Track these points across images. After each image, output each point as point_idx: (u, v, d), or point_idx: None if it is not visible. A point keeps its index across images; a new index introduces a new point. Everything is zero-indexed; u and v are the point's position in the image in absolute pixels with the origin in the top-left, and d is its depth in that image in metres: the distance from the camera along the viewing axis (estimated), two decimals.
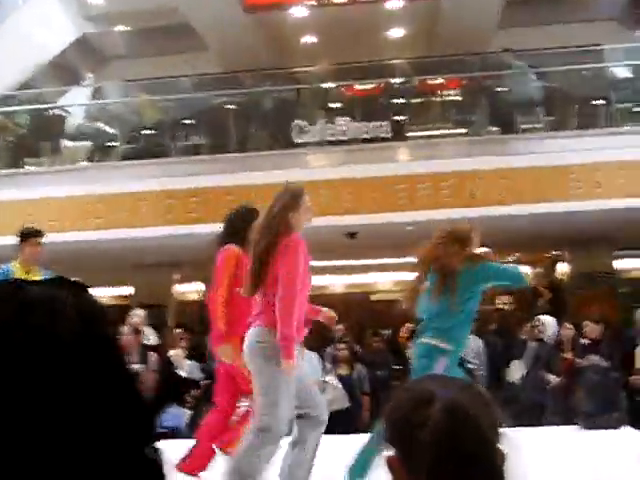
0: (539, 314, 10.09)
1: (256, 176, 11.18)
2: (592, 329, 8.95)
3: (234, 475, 4.48)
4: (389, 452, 1.43)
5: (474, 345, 10.69)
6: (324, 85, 13.22)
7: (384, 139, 11.84)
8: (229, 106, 13.25)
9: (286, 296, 4.40)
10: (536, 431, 7.51)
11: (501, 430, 1.43)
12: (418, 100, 13.11)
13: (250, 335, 4.56)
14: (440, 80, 13.07)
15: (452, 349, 5.00)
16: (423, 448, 1.37)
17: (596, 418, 7.56)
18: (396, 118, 12.48)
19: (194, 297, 17.02)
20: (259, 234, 4.59)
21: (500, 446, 1.42)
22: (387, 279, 18.63)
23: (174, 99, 13.51)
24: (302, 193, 4.69)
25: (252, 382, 4.56)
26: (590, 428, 7.29)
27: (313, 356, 9.63)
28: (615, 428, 7.32)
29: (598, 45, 12.82)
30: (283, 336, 4.37)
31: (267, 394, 4.45)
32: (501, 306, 17.81)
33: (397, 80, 13.14)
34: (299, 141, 11.94)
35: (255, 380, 4.52)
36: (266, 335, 4.48)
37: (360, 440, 5.05)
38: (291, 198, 4.63)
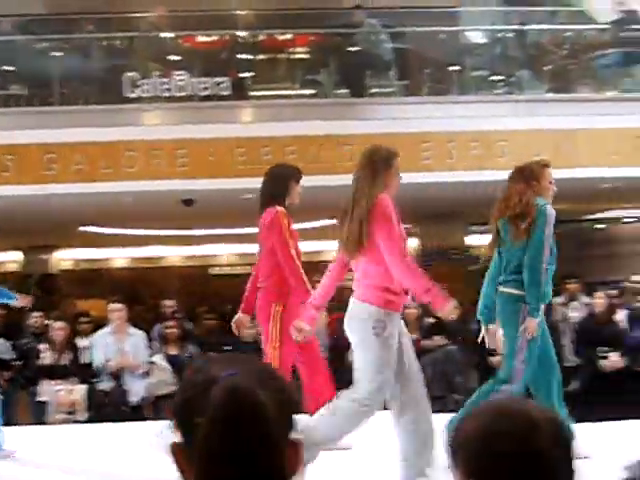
0: None
1: (82, 133, 10.64)
2: None
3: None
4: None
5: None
6: (161, 35, 12.68)
7: (225, 97, 11.47)
8: (55, 53, 12.49)
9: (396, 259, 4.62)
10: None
11: (296, 417, 1.43)
12: (264, 56, 12.78)
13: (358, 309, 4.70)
14: (288, 36, 12.78)
15: None
16: (199, 433, 1.38)
17: (440, 401, 7.56)
18: (240, 75, 12.12)
19: (12, 267, 16.22)
20: (357, 195, 4.76)
21: (293, 434, 1.41)
22: (227, 251, 18.36)
23: None
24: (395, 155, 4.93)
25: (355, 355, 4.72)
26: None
27: (139, 334, 9.28)
28: (455, 411, 7.32)
29: (454, 7, 12.90)
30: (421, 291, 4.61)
31: (375, 369, 4.58)
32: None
33: (242, 33, 12.75)
34: (131, 96, 11.40)
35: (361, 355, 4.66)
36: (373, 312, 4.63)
37: None
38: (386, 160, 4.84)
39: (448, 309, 4.63)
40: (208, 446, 1.37)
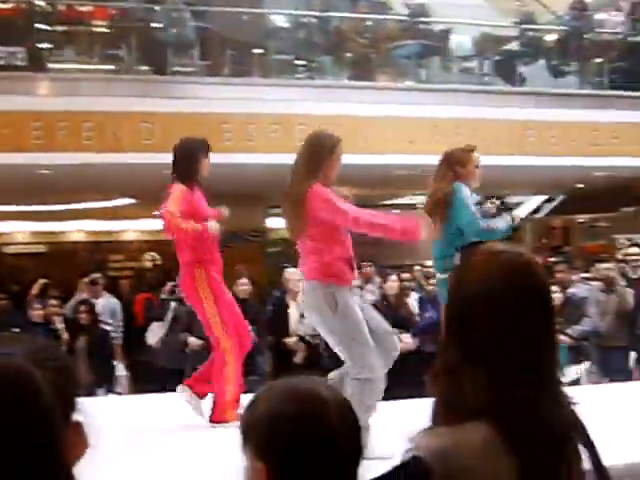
0: None
1: None
2: (242, 290, 9.06)
3: None
4: None
5: (109, 305, 10.48)
6: None
7: (21, 68, 11.06)
8: None
9: None
10: (175, 396, 7.46)
11: (78, 399, 1.35)
12: (63, 28, 12.38)
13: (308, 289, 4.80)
14: (89, 8, 12.45)
15: None
16: None
17: None
18: (37, 45, 11.70)
19: None
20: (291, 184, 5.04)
21: (75, 416, 1.34)
22: (21, 229, 17.77)
23: None
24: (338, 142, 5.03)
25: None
26: None
27: None
28: (251, 392, 7.46)
29: None
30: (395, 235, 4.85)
31: (349, 342, 4.66)
32: (148, 264, 17.77)
33: (40, 2, 12.30)
34: None
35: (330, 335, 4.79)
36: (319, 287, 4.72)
37: None
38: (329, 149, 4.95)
39: (421, 234, 4.76)
40: None
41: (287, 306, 9.03)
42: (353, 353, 4.66)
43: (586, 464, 1.62)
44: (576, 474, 1.58)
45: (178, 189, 5.78)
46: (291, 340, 8.87)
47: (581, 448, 1.60)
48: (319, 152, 4.90)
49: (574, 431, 1.58)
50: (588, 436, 1.62)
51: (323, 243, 4.75)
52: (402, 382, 8.62)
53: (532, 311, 1.58)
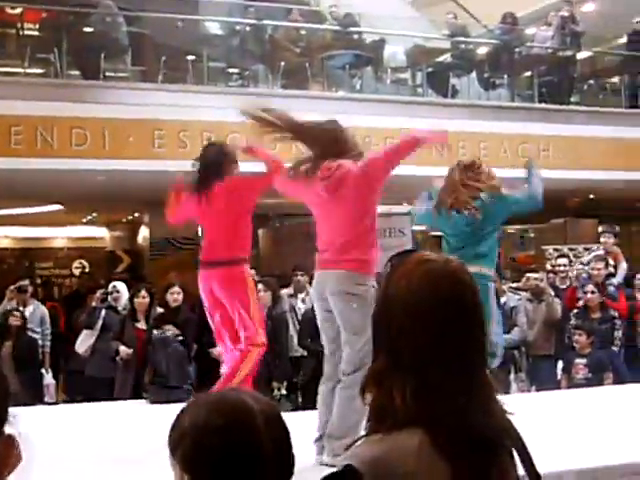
0: (115, 280, 9.97)
1: None
2: (174, 298, 8.97)
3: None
4: None
5: (37, 312, 10.30)
6: None
7: None
8: None
9: None
10: (105, 405, 7.39)
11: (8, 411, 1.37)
12: None
13: None
14: (19, 10, 12.25)
15: None
16: None
17: (168, 391, 7.58)
18: None
19: None
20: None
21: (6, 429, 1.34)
22: None
23: None
24: None
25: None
26: (158, 402, 7.28)
27: None
28: (183, 401, 7.40)
29: None
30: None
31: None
32: (76, 271, 17.54)
33: None
34: None
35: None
36: None
37: None
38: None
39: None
40: None
41: None
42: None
43: (520, 470, 1.65)
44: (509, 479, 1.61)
45: None
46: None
47: (515, 455, 1.63)
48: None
49: (507, 437, 1.60)
50: (522, 442, 1.64)
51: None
52: None
53: (460, 319, 1.58)
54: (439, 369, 1.54)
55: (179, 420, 1.53)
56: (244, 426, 1.47)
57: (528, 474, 1.66)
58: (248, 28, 12.75)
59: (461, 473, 1.49)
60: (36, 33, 12.49)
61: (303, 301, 10.22)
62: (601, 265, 9.50)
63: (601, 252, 10.31)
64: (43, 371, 9.80)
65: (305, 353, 9.37)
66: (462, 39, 13.97)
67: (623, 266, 10.11)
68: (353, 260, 4.70)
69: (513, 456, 1.62)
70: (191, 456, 1.47)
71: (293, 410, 7.96)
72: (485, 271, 5.66)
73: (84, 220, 17.59)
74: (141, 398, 7.65)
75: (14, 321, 9.33)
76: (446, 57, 13.97)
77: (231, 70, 12.95)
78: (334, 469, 1.51)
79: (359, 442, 1.55)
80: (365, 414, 1.61)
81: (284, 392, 8.95)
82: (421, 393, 1.52)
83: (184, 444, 1.48)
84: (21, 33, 12.34)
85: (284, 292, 10.10)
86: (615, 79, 15.65)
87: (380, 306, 1.64)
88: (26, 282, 10.60)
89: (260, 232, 16.86)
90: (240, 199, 5.59)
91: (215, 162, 5.72)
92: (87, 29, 11.97)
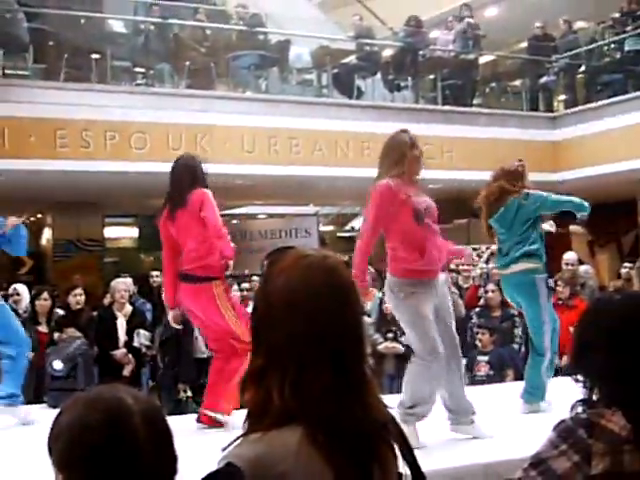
0: (17, 282, 9.75)
1: None
2: (76, 300, 8.83)
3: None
4: None
5: None
6: None
7: None
8: None
9: None
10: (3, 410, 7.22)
11: None
12: None
13: None
14: None
15: None
16: None
17: (70, 395, 7.46)
18: None
19: None
20: None
21: None
22: None
23: None
24: None
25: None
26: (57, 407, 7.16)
27: None
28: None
29: None
30: None
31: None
32: None
33: None
34: None
35: None
36: None
37: None
38: None
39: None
40: None
41: (115, 317, 8.84)
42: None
43: (402, 465, 1.67)
44: (390, 475, 1.62)
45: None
46: (119, 352, 8.68)
47: (397, 449, 1.65)
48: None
49: (387, 432, 1.62)
50: (403, 437, 1.66)
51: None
52: None
53: (337, 313, 1.58)
54: (316, 365, 1.54)
55: (57, 419, 1.51)
56: (120, 424, 1.45)
57: (411, 470, 1.68)
58: (153, 27, 12.63)
59: (341, 470, 1.51)
60: None
61: None
62: None
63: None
64: None
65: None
66: (367, 41, 14.09)
67: None
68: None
69: (395, 452, 1.63)
70: (66, 455, 1.46)
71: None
72: (531, 267, 5.94)
73: None
74: (42, 402, 7.51)
75: None
76: (351, 59, 14.07)
77: (136, 69, 12.79)
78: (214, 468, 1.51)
79: (238, 441, 1.55)
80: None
81: (189, 394, 8.89)
82: (298, 390, 1.52)
83: (60, 443, 1.47)
84: None
85: None
86: (517, 82, 16.00)
87: (258, 302, 1.64)
88: None
89: None
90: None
91: (182, 177, 5.75)
92: None
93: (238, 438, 1.55)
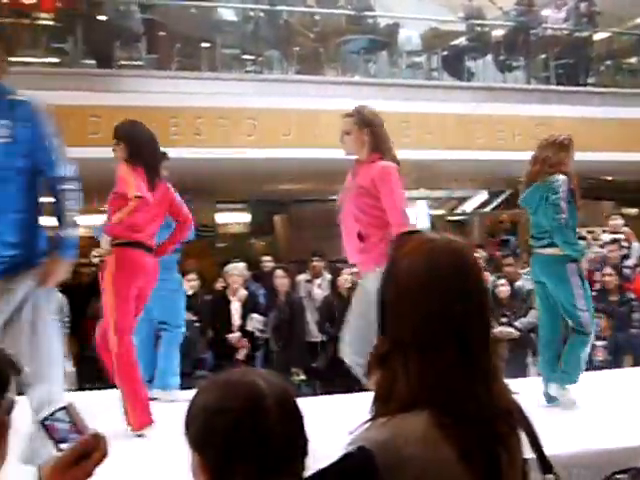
0: None
1: None
2: (191, 285, 9.02)
3: None
4: None
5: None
6: None
7: None
8: None
9: None
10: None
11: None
12: (6, 20, 12.20)
13: None
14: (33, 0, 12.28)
15: None
16: None
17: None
18: None
19: None
20: None
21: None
22: None
23: None
24: None
25: None
26: None
27: None
28: None
29: None
30: None
31: None
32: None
33: None
34: None
35: None
36: None
37: None
38: None
39: None
40: None
41: (228, 301, 8.99)
42: None
43: (528, 452, 1.65)
44: (516, 460, 1.61)
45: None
46: (234, 336, 8.84)
47: (523, 435, 1.62)
48: None
49: (513, 418, 1.60)
50: (529, 424, 1.64)
51: None
52: (354, 377, 8.72)
53: (463, 299, 1.57)
54: (442, 349, 1.53)
55: (193, 401, 1.56)
56: (254, 408, 1.49)
57: (537, 456, 1.66)
58: (262, 14, 12.73)
59: (467, 454, 1.50)
60: (50, 22, 12.49)
61: (319, 286, 10.26)
62: (615, 247, 9.47)
63: (619, 235, 10.28)
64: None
65: (324, 338, 9.43)
66: (477, 21, 13.88)
67: (636, 246, 10.07)
68: None
69: (520, 438, 1.61)
70: (201, 436, 1.50)
71: (312, 395, 7.98)
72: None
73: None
74: None
75: None
76: (461, 40, 13.89)
77: (245, 56, 12.91)
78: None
79: (365, 425, 1.56)
80: None
81: (303, 377, 8.99)
82: (425, 375, 1.52)
83: (195, 425, 1.52)
84: (36, 23, 12.37)
85: (301, 278, 10.13)
86: (632, 59, 15.53)
87: (383, 287, 1.64)
88: None
89: (276, 218, 16.88)
90: None
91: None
92: (101, 17, 11.96)
93: (365, 422, 1.55)
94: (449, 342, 1.54)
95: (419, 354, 1.53)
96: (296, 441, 1.53)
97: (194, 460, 1.51)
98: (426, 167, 13.02)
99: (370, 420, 1.57)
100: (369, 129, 5.09)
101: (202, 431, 1.50)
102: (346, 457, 1.50)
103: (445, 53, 13.62)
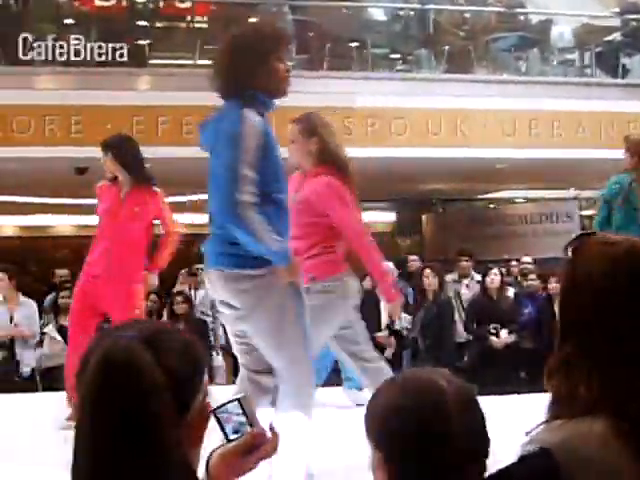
0: None
1: None
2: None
3: None
4: None
5: (209, 295, 10.62)
6: None
7: (122, 64, 11.33)
8: None
9: None
10: None
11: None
12: (162, 24, 12.65)
13: None
14: (188, 4, 12.67)
15: None
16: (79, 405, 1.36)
17: None
18: (137, 42, 11.97)
19: None
20: None
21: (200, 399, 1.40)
22: None
23: None
24: None
25: None
26: None
27: (31, 304, 9.18)
28: None
29: None
30: None
31: None
32: None
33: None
34: (25, 58, 11.14)
35: None
36: None
37: None
38: None
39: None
40: (83, 406, 1.33)
41: (378, 300, 9.02)
42: None
43: None
44: None
45: None
46: (382, 335, 8.87)
47: None
48: None
49: None
50: None
51: None
52: (499, 378, 8.62)
53: None
54: (626, 358, 1.51)
55: (373, 399, 1.59)
56: (434, 406, 1.49)
57: None
58: (412, 12, 12.72)
59: None
60: (205, 25, 12.86)
61: (467, 287, 10.19)
62: None
63: None
64: (214, 353, 10.10)
65: (470, 338, 9.39)
66: (633, 16, 13.44)
67: None
68: None
69: None
70: (382, 435, 1.52)
71: None
72: None
73: None
74: None
75: (181, 304, 9.72)
76: (616, 36, 13.48)
77: (394, 56, 12.93)
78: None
79: (540, 428, 1.56)
80: None
81: None
82: (607, 381, 1.51)
83: (375, 423, 1.54)
84: (191, 26, 12.76)
85: (449, 277, 10.08)
86: None
87: (565, 290, 1.63)
88: (199, 266, 10.96)
89: (424, 217, 16.83)
90: None
91: None
92: (253, 19, 12.20)
93: (542, 423, 1.56)
94: (634, 353, 1.52)
95: (603, 362, 1.52)
96: (477, 441, 1.53)
97: (374, 458, 1.54)
98: (577, 166, 12.73)
99: (547, 422, 1.57)
100: (316, 138, 4.71)
101: (382, 429, 1.52)
102: (528, 458, 1.50)
103: (599, 49, 13.24)
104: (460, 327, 9.58)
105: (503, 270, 10.30)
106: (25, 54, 11.07)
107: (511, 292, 9.74)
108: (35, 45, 11.04)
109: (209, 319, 10.17)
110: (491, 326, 9.29)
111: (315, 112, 4.98)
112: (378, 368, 4.79)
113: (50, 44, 11.17)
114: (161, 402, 1.32)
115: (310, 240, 4.56)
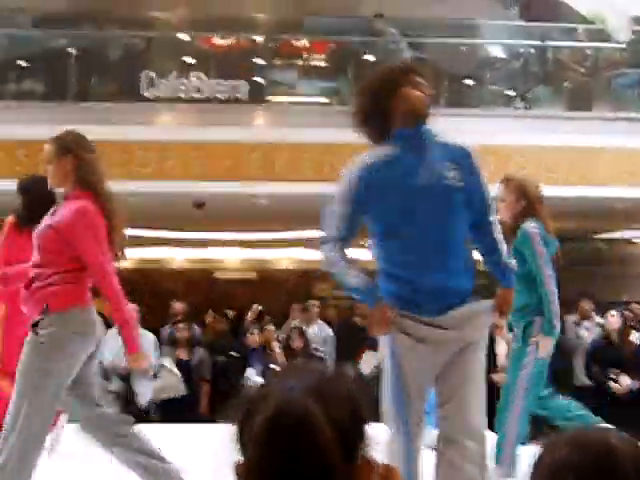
0: None
1: (96, 130, 10.62)
2: None
3: None
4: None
5: (321, 332, 10.64)
6: (178, 35, 12.73)
7: (241, 100, 11.53)
8: (71, 50, 12.49)
9: None
10: None
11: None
12: (281, 62, 12.83)
13: None
14: (305, 42, 12.83)
15: None
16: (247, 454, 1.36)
17: None
18: (256, 79, 12.17)
19: None
20: None
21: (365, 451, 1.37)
22: (234, 256, 18.37)
23: (7, 35, 12.60)
24: None
25: None
26: None
27: (148, 336, 9.32)
28: None
29: (473, 19, 12.93)
30: None
31: None
32: None
33: (259, 38, 12.81)
34: (148, 95, 11.46)
35: None
36: None
37: (198, 429, 4.77)
38: None
39: None
40: (253, 466, 1.33)
41: (493, 341, 8.83)
42: None
43: None
44: None
45: None
46: (498, 376, 8.65)
47: None
48: None
49: None
50: None
51: None
52: (622, 425, 8.31)
53: None
54: None
55: (540, 456, 1.49)
56: (604, 466, 1.39)
57: None
58: (530, 50, 12.57)
59: None
60: (322, 63, 12.98)
61: (588, 329, 9.92)
62: None
63: None
64: None
65: (591, 383, 9.12)
66: None
67: None
68: None
69: None
70: None
71: None
72: None
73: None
74: None
75: (297, 339, 9.73)
76: None
77: (511, 93, 12.79)
78: None
79: None
80: None
81: None
82: None
83: (540, 476, 1.45)
84: (308, 64, 12.91)
85: (569, 319, 9.83)
86: None
87: None
88: (313, 302, 10.97)
89: None
90: None
91: None
92: (369, 57, 12.26)
93: None
94: None
95: None
96: None
97: None
98: None
99: None
100: (71, 156, 4.28)
101: None
102: None
103: None
104: (580, 371, 9.31)
105: (627, 312, 9.99)
106: (148, 91, 11.38)
107: (635, 336, 9.41)
108: (158, 82, 11.34)
109: (322, 355, 10.15)
110: (611, 371, 8.99)
111: (74, 130, 4.49)
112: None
113: (172, 81, 11.46)
114: (335, 458, 1.29)
115: (52, 269, 4.22)
